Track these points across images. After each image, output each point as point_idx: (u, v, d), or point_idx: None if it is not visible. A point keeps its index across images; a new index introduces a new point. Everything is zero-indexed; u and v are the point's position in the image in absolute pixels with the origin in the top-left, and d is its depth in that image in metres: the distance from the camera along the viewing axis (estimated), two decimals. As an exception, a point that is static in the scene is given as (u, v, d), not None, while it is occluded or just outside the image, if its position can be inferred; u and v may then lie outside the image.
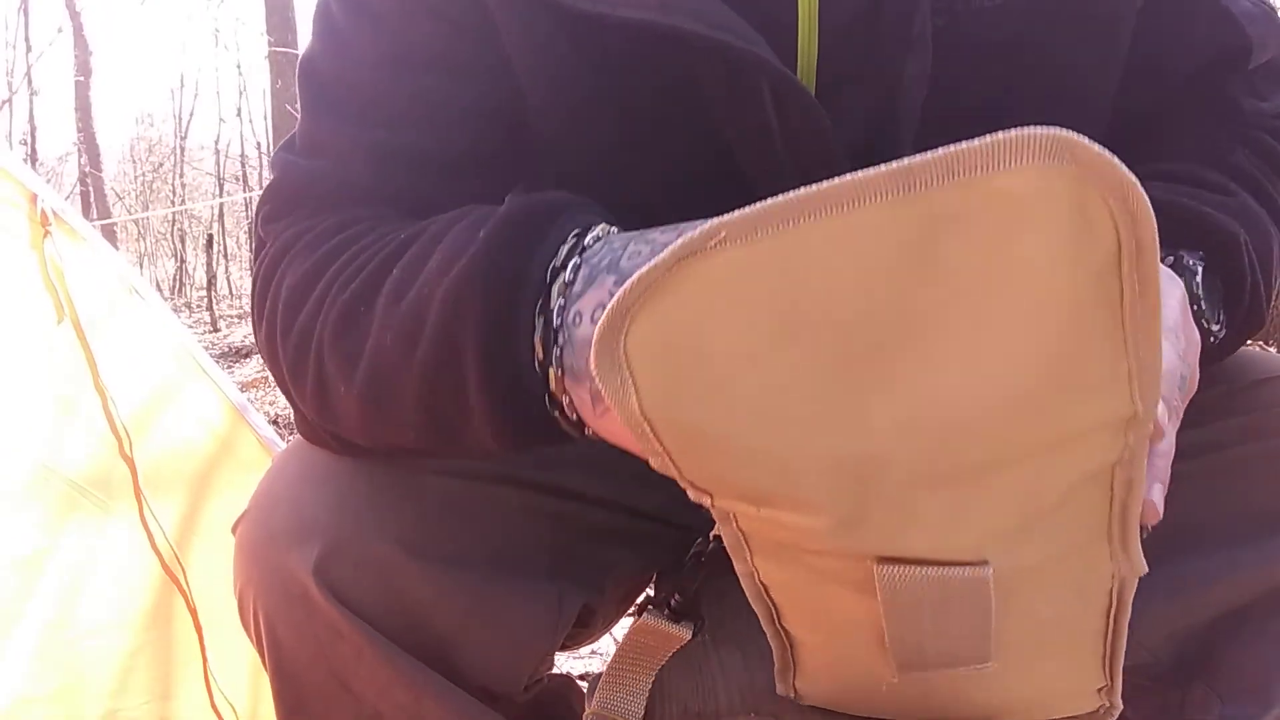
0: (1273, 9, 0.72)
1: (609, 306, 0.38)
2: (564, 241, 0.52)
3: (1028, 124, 0.70)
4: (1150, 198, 0.60)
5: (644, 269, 0.37)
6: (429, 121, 0.67)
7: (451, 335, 0.52)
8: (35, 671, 1.22)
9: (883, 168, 0.35)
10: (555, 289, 0.50)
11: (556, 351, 0.50)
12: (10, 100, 11.82)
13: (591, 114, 0.68)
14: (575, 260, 0.51)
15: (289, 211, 0.67)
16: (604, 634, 0.96)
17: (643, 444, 0.43)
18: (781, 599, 0.51)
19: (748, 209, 0.36)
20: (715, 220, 0.37)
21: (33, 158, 11.49)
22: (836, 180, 0.36)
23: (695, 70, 0.64)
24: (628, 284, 0.38)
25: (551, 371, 0.51)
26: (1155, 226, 0.36)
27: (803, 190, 0.36)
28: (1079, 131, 0.72)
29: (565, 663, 1.91)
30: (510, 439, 0.55)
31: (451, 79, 0.67)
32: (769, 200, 0.36)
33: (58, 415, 1.30)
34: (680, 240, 0.37)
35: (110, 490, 1.31)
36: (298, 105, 0.71)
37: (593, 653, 1.98)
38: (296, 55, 9.19)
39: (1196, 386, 0.57)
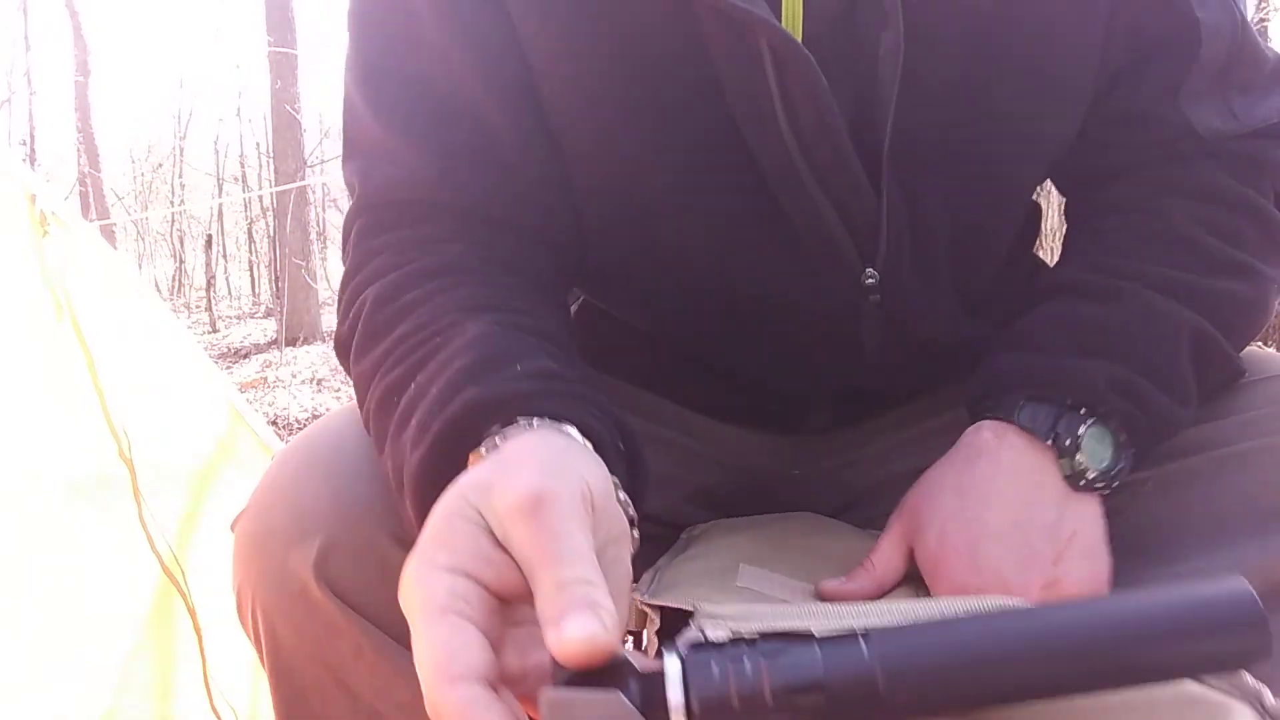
0: None
1: None
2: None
3: (1001, 102, 0.71)
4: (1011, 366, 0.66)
5: None
6: (468, 108, 0.68)
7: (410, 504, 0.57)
8: (34, 672, 1.22)
9: None
10: None
11: None
12: (9, 100, 11.82)
13: (599, 83, 0.69)
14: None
15: (383, 231, 0.69)
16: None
17: None
18: None
19: None
20: None
21: (32, 158, 11.50)
22: None
23: (701, 32, 0.65)
24: None
25: None
26: None
27: None
28: (1060, 109, 0.73)
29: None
30: None
31: (482, 63, 0.68)
32: None
33: (56, 415, 1.30)
34: None
35: (109, 491, 1.31)
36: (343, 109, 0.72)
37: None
38: (295, 55, 9.20)
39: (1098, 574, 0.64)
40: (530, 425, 0.54)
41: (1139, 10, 0.69)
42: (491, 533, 0.44)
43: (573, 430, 0.54)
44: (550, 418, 0.54)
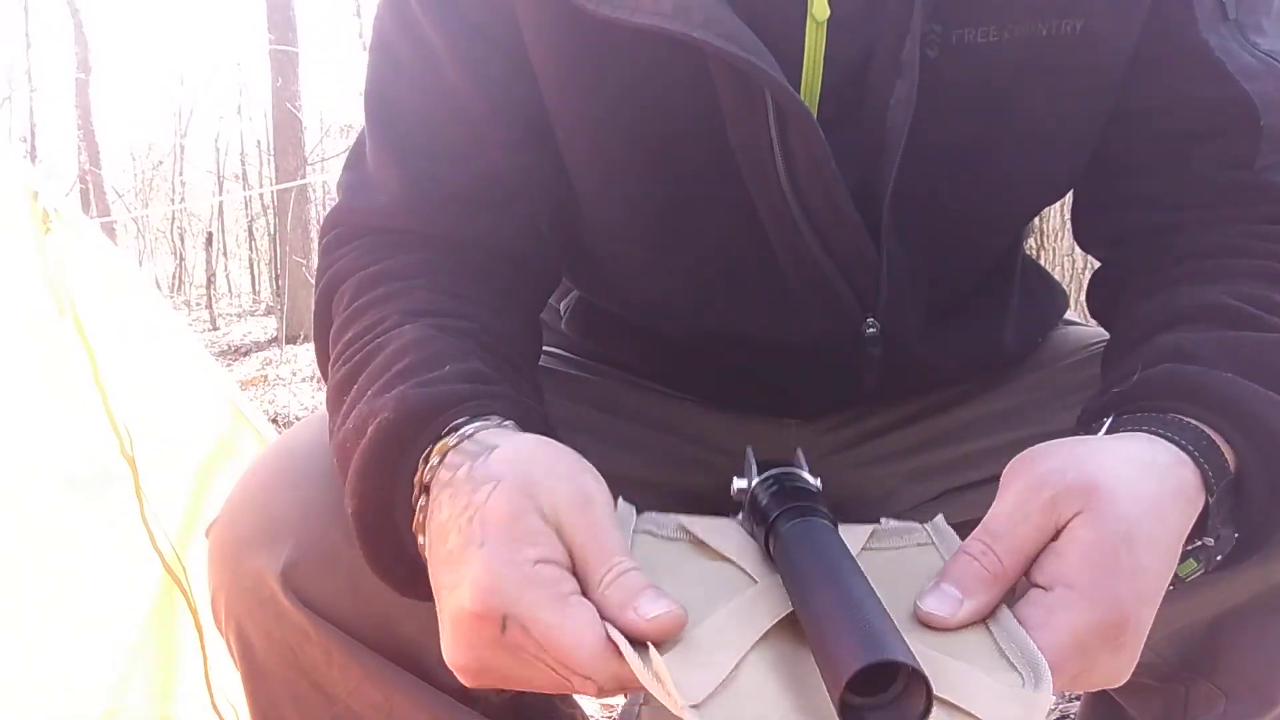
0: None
1: None
2: (427, 459, 0.57)
3: (1004, 161, 0.70)
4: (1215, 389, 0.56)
5: None
6: (476, 150, 0.70)
7: (350, 496, 0.59)
8: (35, 670, 1.22)
9: None
10: (419, 505, 0.56)
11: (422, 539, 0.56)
12: (10, 97, 11.82)
13: (607, 128, 0.70)
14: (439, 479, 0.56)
15: (348, 240, 0.72)
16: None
17: None
18: None
19: None
20: None
21: (32, 155, 11.51)
22: None
23: (710, 81, 0.65)
24: None
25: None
26: None
27: None
28: (1051, 174, 0.73)
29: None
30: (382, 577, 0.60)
31: (494, 104, 0.70)
32: None
33: (58, 413, 1.30)
34: None
35: (111, 488, 1.31)
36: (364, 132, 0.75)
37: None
38: (296, 52, 9.20)
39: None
40: (495, 422, 0.58)
41: (1182, 86, 0.69)
42: (551, 524, 0.51)
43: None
44: (484, 415, 0.58)
